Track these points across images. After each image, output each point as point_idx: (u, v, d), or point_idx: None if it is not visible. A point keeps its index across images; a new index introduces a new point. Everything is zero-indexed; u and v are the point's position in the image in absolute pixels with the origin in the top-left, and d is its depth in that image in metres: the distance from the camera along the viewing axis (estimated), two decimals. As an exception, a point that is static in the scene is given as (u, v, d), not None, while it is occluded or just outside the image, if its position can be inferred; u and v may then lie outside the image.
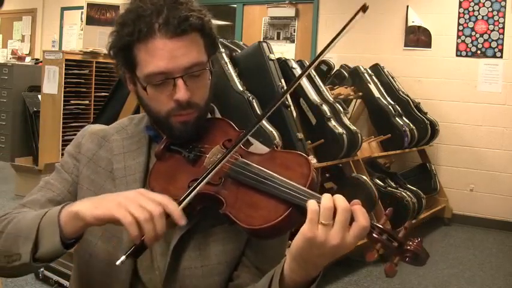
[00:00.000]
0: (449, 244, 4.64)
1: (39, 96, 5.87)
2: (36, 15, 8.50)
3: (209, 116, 1.19)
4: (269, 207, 0.94)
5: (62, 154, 1.26)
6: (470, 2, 5.23)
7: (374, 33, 5.62)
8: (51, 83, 5.16)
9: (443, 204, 5.26)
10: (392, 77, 5.27)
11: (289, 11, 6.29)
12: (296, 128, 3.46)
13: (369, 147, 4.49)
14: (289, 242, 1.16)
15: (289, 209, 0.92)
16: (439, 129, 5.14)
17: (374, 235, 0.88)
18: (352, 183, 3.93)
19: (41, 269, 3.17)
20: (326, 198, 0.88)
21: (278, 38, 6.40)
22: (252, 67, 3.59)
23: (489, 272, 3.97)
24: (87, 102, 5.51)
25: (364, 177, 3.94)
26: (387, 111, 4.73)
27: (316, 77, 3.99)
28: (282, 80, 3.50)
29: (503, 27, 5.11)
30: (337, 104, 3.93)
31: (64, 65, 5.12)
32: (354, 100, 5.09)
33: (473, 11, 5.23)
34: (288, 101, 3.49)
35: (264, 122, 3.15)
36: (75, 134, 1.28)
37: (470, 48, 5.25)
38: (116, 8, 5.66)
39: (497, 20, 5.13)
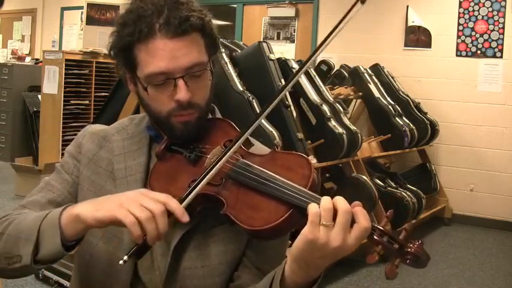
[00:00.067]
0: (449, 244, 4.64)
1: (39, 96, 5.87)
2: (36, 15, 8.50)
3: (210, 116, 1.19)
4: (270, 209, 0.94)
5: (62, 154, 1.26)
6: (470, 2, 5.23)
7: (374, 33, 5.62)
8: (51, 83, 5.15)
9: (443, 204, 5.26)
10: (393, 77, 5.27)
11: (289, 11, 6.29)
12: (296, 128, 3.46)
13: (369, 147, 4.49)
14: (290, 242, 1.16)
15: (290, 211, 0.92)
16: (439, 129, 5.14)
17: (375, 237, 0.89)
18: (352, 183, 3.93)
19: (41, 269, 3.17)
20: (325, 199, 0.88)
21: (278, 38, 6.40)
22: (252, 67, 3.59)
23: (489, 272, 3.97)
24: (87, 102, 5.50)
25: (364, 177, 3.94)
26: (387, 111, 4.73)
27: (316, 77, 3.99)
28: (282, 80, 3.50)
29: (503, 27, 5.11)
30: (337, 104, 3.93)
31: (64, 65, 5.12)
32: (354, 100, 5.09)
33: (473, 11, 5.23)
34: (288, 101, 3.49)
35: (264, 122, 3.15)
36: (75, 134, 1.27)
37: (470, 48, 5.25)
38: (116, 8, 5.66)
39: (497, 20, 5.13)
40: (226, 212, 0.98)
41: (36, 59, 7.86)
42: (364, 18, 5.66)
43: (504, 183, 5.13)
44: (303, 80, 3.79)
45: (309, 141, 3.65)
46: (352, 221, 0.87)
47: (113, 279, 1.10)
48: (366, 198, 3.77)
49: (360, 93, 4.87)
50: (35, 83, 6.66)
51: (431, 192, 5.14)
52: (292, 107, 3.54)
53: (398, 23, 5.58)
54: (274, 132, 3.19)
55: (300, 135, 3.44)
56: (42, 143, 5.37)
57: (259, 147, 1.13)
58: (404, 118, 4.83)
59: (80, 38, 6.77)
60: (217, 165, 0.99)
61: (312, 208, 0.87)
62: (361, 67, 4.96)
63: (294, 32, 6.33)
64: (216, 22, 1.13)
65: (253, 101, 3.34)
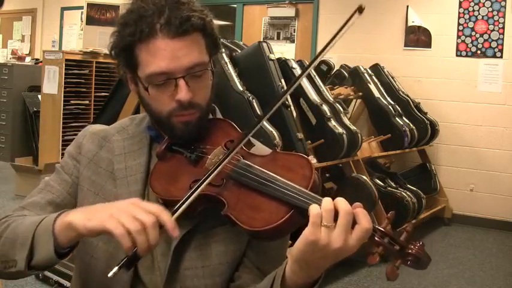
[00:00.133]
0: (449, 244, 4.64)
1: (39, 96, 5.87)
2: (36, 15, 8.50)
3: (211, 116, 1.18)
4: (271, 209, 0.94)
5: (62, 154, 1.26)
6: (470, 2, 5.23)
7: (374, 33, 5.62)
8: (51, 83, 5.15)
9: (443, 204, 5.26)
10: (393, 77, 5.27)
11: (289, 11, 6.29)
12: (296, 128, 3.45)
13: (369, 147, 4.49)
14: (290, 242, 1.16)
15: (291, 212, 0.92)
16: (439, 129, 5.14)
17: (376, 238, 0.89)
18: (352, 183, 3.93)
19: (39, 273, 3.17)
20: (326, 200, 0.88)
21: (278, 38, 6.40)
22: (252, 67, 3.59)
23: (489, 272, 3.97)
24: (87, 102, 5.50)
25: (364, 177, 3.94)
26: (387, 111, 4.73)
27: (316, 77, 3.99)
28: (282, 80, 3.50)
29: (503, 27, 5.11)
30: (337, 104, 3.93)
31: (64, 65, 5.12)
32: (354, 100, 5.09)
33: (473, 11, 5.23)
34: (288, 101, 3.49)
35: (264, 122, 3.15)
36: (75, 134, 1.28)
37: (470, 48, 5.25)
38: (116, 8, 5.66)
39: (497, 20, 5.13)
40: (227, 212, 0.98)
41: (36, 59, 7.86)
42: (364, 18, 5.64)
43: (504, 183, 5.13)
44: (303, 80, 3.79)
45: (309, 141, 3.65)
46: (354, 222, 0.87)
47: (113, 279, 1.09)
48: (366, 198, 3.77)
49: (360, 93, 4.88)
50: (35, 83, 6.66)
51: (431, 192, 5.14)
52: (292, 107, 3.54)
53: (398, 23, 5.58)
54: (274, 132, 3.19)
55: (300, 135, 3.44)
56: (42, 143, 5.37)
57: (259, 148, 1.13)
58: (404, 118, 4.83)
59: (80, 38, 6.78)
60: (214, 173, 0.99)
61: (313, 209, 0.87)
62: (361, 67, 4.96)
63: (294, 32, 6.33)
64: (216, 22, 1.13)
65: (253, 101, 3.34)
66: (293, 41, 6.34)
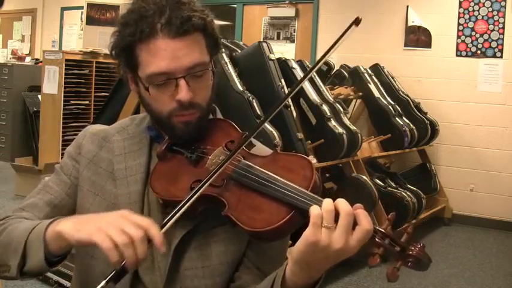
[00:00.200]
0: (449, 244, 4.64)
1: (39, 96, 5.87)
2: (36, 15, 8.50)
3: (211, 116, 1.18)
4: (271, 210, 0.94)
5: (62, 154, 1.26)
6: (470, 2, 5.23)
7: (374, 33, 5.62)
8: (51, 83, 5.15)
9: (443, 204, 5.26)
10: (393, 77, 5.27)
11: (289, 11, 6.29)
12: (296, 128, 3.45)
13: (369, 147, 4.49)
14: (290, 242, 1.16)
15: (292, 212, 0.92)
16: (439, 129, 5.14)
17: (377, 239, 0.89)
18: (352, 183, 3.93)
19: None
20: (327, 201, 0.88)
21: (278, 38, 6.40)
22: (252, 67, 3.59)
23: (489, 272, 3.97)
24: (87, 102, 5.50)
25: (364, 177, 3.94)
26: (387, 111, 4.73)
27: (316, 77, 3.99)
28: (282, 80, 3.50)
29: (503, 27, 5.11)
30: (337, 104, 3.93)
31: (64, 65, 5.12)
32: (354, 100, 5.09)
33: (473, 11, 5.23)
34: (288, 101, 3.48)
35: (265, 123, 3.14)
36: (75, 134, 1.28)
37: (470, 48, 5.25)
38: (116, 8, 5.66)
39: (497, 20, 5.13)
40: (227, 213, 0.98)
41: (36, 59, 7.86)
42: (364, 18, 5.63)
43: (504, 183, 5.13)
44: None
45: (309, 141, 3.64)
46: (354, 223, 0.87)
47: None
48: (366, 198, 3.77)
49: (360, 93, 4.87)
50: (35, 83, 6.66)
51: (431, 192, 5.14)
52: (292, 107, 3.54)
53: (398, 23, 5.58)
54: (274, 132, 3.19)
55: (300, 135, 3.44)
56: (42, 143, 5.37)
57: (260, 148, 1.13)
58: (404, 118, 4.83)
59: (80, 38, 6.78)
60: (213, 177, 0.99)
61: (314, 210, 0.87)
62: (361, 67, 4.96)
63: (294, 32, 6.33)
64: (216, 22, 1.13)
65: (253, 101, 3.34)
66: (293, 41, 6.34)
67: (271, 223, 0.93)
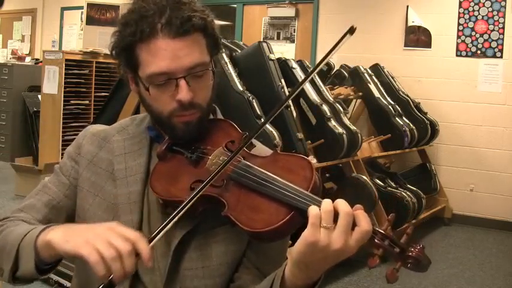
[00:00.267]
0: (449, 244, 4.64)
1: (39, 96, 5.87)
2: (36, 15, 8.50)
3: (211, 116, 1.18)
4: (271, 211, 0.94)
5: (62, 154, 1.26)
6: (470, 2, 5.23)
7: (374, 33, 5.62)
8: (51, 83, 5.16)
9: (443, 204, 5.26)
10: (393, 77, 5.27)
11: (289, 11, 6.29)
12: (296, 128, 3.45)
13: (369, 147, 4.49)
14: (290, 242, 1.16)
15: (291, 213, 0.92)
16: (439, 129, 5.14)
17: (376, 240, 0.89)
18: (352, 183, 3.93)
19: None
20: (326, 202, 0.88)
21: (278, 38, 6.40)
22: (252, 67, 3.59)
23: (489, 272, 3.97)
24: (87, 102, 5.51)
25: (364, 177, 3.94)
26: (387, 111, 4.73)
27: (316, 77, 3.99)
28: (282, 80, 3.50)
29: (503, 27, 5.11)
30: (337, 104, 3.93)
31: (64, 65, 5.13)
32: (354, 100, 5.09)
33: (473, 11, 5.23)
34: (288, 101, 3.48)
35: (265, 123, 3.14)
36: (75, 134, 1.28)
37: (470, 48, 5.25)
38: (116, 8, 5.66)
39: (497, 20, 5.13)
40: (227, 213, 0.98)
41: (36, 59, 7.86)
42: (364, 18, 5.66)
43: (504, 183, 5.13)
44: (303, 80, 3.78)
45: (309, 141, 3.64)
46: (354, 224, 0.87)
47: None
48: (366, 198, 3.77)
49: (360, 93, 4.87)
50: (35, 83, 6.66)
51: (431, 192, 5.14)
52: (292, 107, 3.54)
53: (398, 23, 5.58)
54: (274, 132, 3.19)
55: (300, 135, 3.44)
56: (42, 143, 5.37)
57: (260, 149, 1.13)
58: (404, 118, 4.83)
59: (80, 38, 6.78)
60: (212, 180, 0.98)
61: (313, 210, 0.87)
62: (361, 67, 4.96)
63: (294, 32, 6.33)
64: (216, 22, 1.13)
65: (253, 101, 3.34)
66: (293, 41, 6.34)
67: (270, 223, 0.93)
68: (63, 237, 0.93)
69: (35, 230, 0.99)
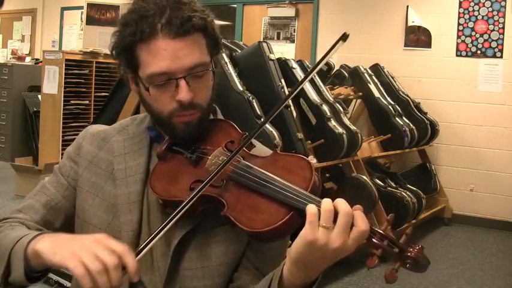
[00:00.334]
0: (449, 244, 4.64)
1: (39, 96, 5.87)
2: (36, 15, 8.50)
3: (212, 116, 1.18)
4: (270, 211, 0.94)
5: (62, 154, 1.26)
6: (470, 2, 5.23)
7: (374, 33, 5.62)
8: (51, 83, 5.16)
9: (443, 204, 5.26)
10: (393, 77, 5.27)
11: (289, 11, 6.29)
12: (296, 128, 3.45)
13: (369, 147, 4.49)
14: (290, 242, 1.16)
15: (290, 213, 0.92)
16: (439, 129, 5.14)
17: (375, 241, 0.89)
18: (352, 183, 3.93)
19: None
20: (326, 201, 0.88)
21: (278, 38, 6.40)
22: (252, 67, 3.59)
23: (489, 272, 3.97)
24: (87, 102, 5.51)
25: (364, 177, 3.94)
26: (387, 111, 4.73)
27: (316, 77, 3.99)
28: (282, 80, 3.50)
29: (503, 27, 5.11)
30: (337, 104, 3.93)
31: (64, 65, 5.13)
32: (354, 100, 5.09)
33: (473, 11, 5.23)
34: (287, 101, 3.48)
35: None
36: (75, 134, 1.28)
37: (470, 48, 5.25)
38: (116, 8, 5.66)
39: (497, 20, 5.13)
40: (226, 213, 0.98)
41: (36, 59, 7.86)
42: (364, 18, 5.66)
43: (504, 183, 5.13)
44: (303, 80, 3.78)
45: (309, 141, 3.64)
46: (352, 224, 0.87)
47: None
48: (366, 198, 3.77)
49: (360, 93, 4.88)
50: (35, 83, 6.66)
51: (431, 192, 5.14)
52: (292, 107, 3.54)
53: (398, 23, 5.58)
54: (274, 132, 3.19)
55: (300, 135, 3.44)
56: (42, 143, 5.37)
57: (260, 149, 1.13)
58: (404, 118, 4.83)
59: (80, 38, 6.78)
60: (211, 181, 0.98)
61: (310, 209, 0.87)
62: (361, 67, 4.96)
63: (294, 32, 6.33)
64: (216, 22, 1.13)
65: (253, 101, 3.34)
66: (293, 41, 6.34)
67: (270, 223, 0.93)
68: (51, 248, 0.93)
69: (26, 237, 0.99)
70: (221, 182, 1.01)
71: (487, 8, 5.16)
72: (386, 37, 5.62)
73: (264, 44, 3.62)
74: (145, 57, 1.05)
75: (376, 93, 4.85)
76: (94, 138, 1.20)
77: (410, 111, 4.97)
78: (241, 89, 3.42)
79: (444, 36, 5.36)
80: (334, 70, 5.00)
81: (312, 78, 3.92)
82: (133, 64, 1.08)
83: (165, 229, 0.95)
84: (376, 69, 5.19)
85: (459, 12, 5.28)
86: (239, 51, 3.88)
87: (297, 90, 1.08)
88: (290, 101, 3.52)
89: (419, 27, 5.46)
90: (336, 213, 0.87)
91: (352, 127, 3.86)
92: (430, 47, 5.43)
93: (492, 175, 5.19)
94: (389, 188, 4.40)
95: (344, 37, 0.98)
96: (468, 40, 5.26)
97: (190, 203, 0.97)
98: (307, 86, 3.82)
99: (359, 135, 3.87)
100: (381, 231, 0.89)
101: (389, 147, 4.69)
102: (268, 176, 0.98)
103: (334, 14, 5.89)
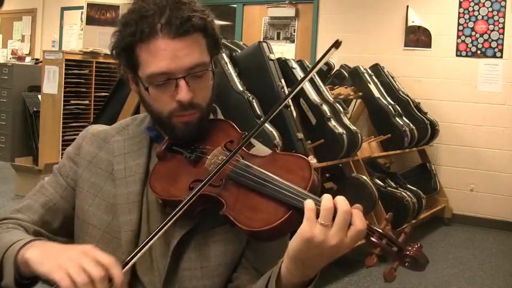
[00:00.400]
0: (449, 244, 4.64)
1: (39, 96, 5.87)
2: (36, 15, 8.50)
3: (211, 116, 1.18)
4: (269, 210, 0.94)
5: (62, 154, 1.26)
6: (470, 2, 5.23)
7: (374, 33, 5.62)
8: (51, 83, 5.15)
9: (443, 204, 5.26)
10: (393, 77, 5.27)
11: (289, 11, 6.29)
12: (296, 128, 3.45)
13: (369, 147, 4.49)
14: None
15: (289, 212, 0.92)
16: (439, 129, 5.14)
17: (373, 239, 0.89)
18: (352, 183, 3.92)
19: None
20: (326, 199, 0.88)
21: (278, 38, 6.40)
22: (252, 67, 3.59)
23: (489, 272, 3.97)
24: (87, 102, 5.50)
25: (364, 177, 3.94)
26: (387, 111, 4.73)
27: (316, 77, 3.99)
28: (282, 80, 3.50)
29: (503, 27, 5.11)
30: (337, 104, 3.93)
31: (64, 65, 5.12)
32: (354, 100, 5.09)
33: (473, 11, 5.23)
34: (288, 101, 3.48)
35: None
36: (75, 134, 1.28)
37: (470, 48, 5.25)
38: (116, 8, 5.66)
39: (497, 20, 5.13)
40: (225, 212, 0.98)
41: (36, 59, 7.86)
42: (364, 18, 5.66)
43: (504, 183, 5.13)
44: (303, 80, 3.78)
45: (309, 141, 3.64)
46: (349, 223, 0.88)
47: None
48: (366, 198, 3.77)
49: (360, 93, 4.88)
50: (35, 83, 6.66)
51: (431, 192, 5.14)
52: (292, 107, 3.54)
53: (398, 23, 5.58)
54: (274, 132, 3.19)
55: (300, 135, 3.44)
56: (42, 143, 5.37)
57: (259, 148, 1.13)
58: (404, 118, 4.83)
59: (80, 38, 6.78)
60: (206, 184, 0.98)
61: (308, 204, 0.88)
62: (361, 67, 4.96)
63: (294, 32, 6.33)
64: (216, 22, 1.13)
65: (253, 101, 3.34)
66: (293, 41, 6.34)
67: (269, 223, 0.93)
68: (39, 257, 0.93)
69: (18, 243, 0.99)
70: (220, 182, 1.01)
71: (487, 8, 5.16)
72: (386, 37, 5.62)
73: (264, 44, 3.62)
74: (145, 57, 1.05)
75: (376, 93, 4.85)
76: (94, 138, 1.20)
77: (410, 111, 4.97)
78: (241, 89, 3.42)
79: (444, 36, 5.37)
80: (334, 70, 5.00)
81: (312, 78, 3.92)
82: (133, 64, 1.08)
83: (163, 231, 0.96)
84: (376, 69, 5.19)
85: (459, 12, 5.28)
86: (239, 51, 3.88)
87: (289, 97, 1.07)
88: (290, 101, 3.52)
89: (419, 27, 5.46)
90: (334, 211, 0.87)
91: (352, 127, 3.86)
92: (430, 47, 5.44)
93: (492, 175, 5.19)
94: (389, 188, 4.40)
95: (336, 44, 0.98)
96: (468, 40, 5.26)
97: (189, 202, 0.97)
98: (307, 86, 3.82)
99: (359, 135, 3.87)
100: (380, 230, 0.90)
101: (389, 147, 4.69)
102: (267, 175, 0.98)
103: (334, 14, 5.89)
